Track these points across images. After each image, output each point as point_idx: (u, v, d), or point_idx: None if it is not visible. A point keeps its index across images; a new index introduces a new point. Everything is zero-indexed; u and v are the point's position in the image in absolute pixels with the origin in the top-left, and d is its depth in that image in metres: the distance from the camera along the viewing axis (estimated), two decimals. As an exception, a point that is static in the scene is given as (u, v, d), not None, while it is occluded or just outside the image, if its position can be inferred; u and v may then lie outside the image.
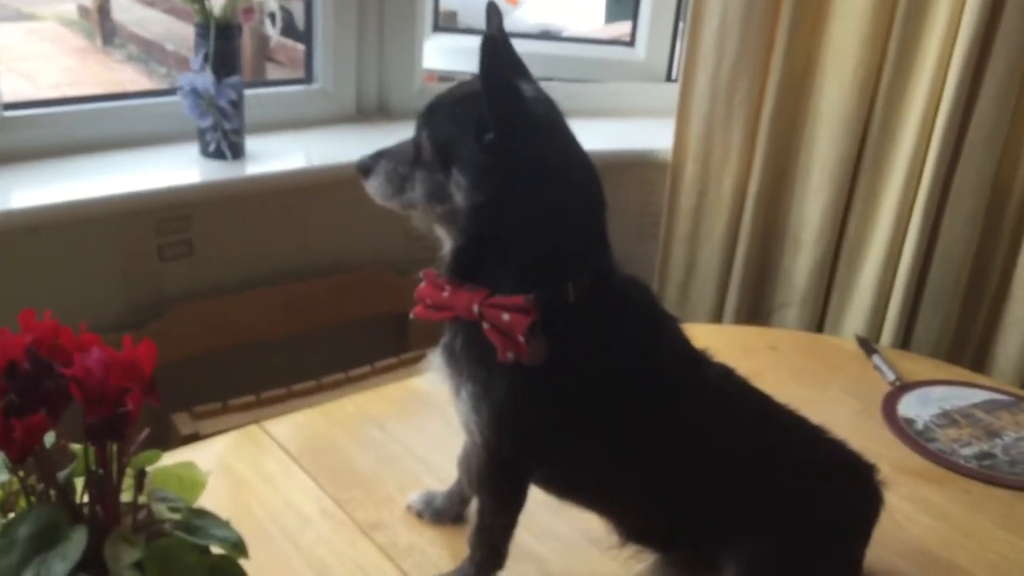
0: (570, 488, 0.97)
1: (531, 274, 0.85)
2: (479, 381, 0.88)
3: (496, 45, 0.81)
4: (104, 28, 4.98)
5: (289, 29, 2.16)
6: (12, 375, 0.66)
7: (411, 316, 0.91)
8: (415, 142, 0.89)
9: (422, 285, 0.90)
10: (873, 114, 1.76)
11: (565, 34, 5.12)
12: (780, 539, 0.93)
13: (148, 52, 4.83)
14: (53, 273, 1.56)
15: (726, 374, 0.95)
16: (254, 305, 1.72)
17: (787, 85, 1.79)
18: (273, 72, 3.09)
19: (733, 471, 0.92)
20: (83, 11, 5.13)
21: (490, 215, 0.84)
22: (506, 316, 0.83)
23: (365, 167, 0.92)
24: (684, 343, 0.93)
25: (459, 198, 0.85)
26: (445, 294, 0.87)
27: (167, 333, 1.60)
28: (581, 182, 0.87)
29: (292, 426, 1.25)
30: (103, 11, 4.97)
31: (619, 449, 0.90)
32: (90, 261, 1.59)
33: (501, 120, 0.81)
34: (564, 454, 0.93)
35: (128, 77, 4.74)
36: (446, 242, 0.90)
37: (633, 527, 0.97)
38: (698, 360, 0.94)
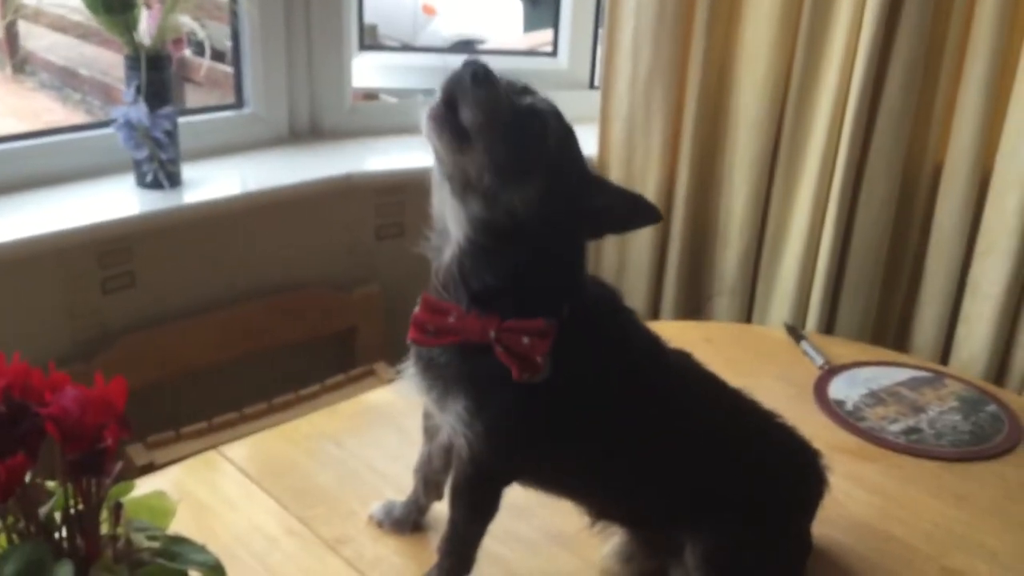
0: (543, 482, 1.00)
1: (534, 296, 0.88)
2: (471, 397, 0.89)
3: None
4: (13, 55, 4.87)
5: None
6: (-10, 419, 0.68)
7: (408, 341, 0.92)
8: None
9: (417, 310, 0.90)
10: (786, 111, 1.83)
11: (486, 44, 5.15)
12: (738, 518, 0.98)
13: (62, 79, 4.74)
14: (-4, 311, 1.55)
15: (685, 358, 1.01)
16: (200, 332, 1.72)
17: (706, 89, 1.85)
18: (192, 94, 3.05)
19: (699, 455, 0.97)
20: (-10, 38, 4.99)
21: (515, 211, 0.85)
22: (526, 340, 0.86)
23: (477, 74, 0.82)
24: (646, 333, 0.99)
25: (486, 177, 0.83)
26: (451, 320, 0.87)
27: (115, 365, 1.59)
28: None
29: (249, 449, 1.27)
30: (11, 38, 4.85)
31: (600, 445, 0.94)
32: (34, 298, 1.58)
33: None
34: (548, 458, 0.96)
35: (43, 105, 4.64)
36: (450, 223, 0.87)
37: (604, 510, 1.02)
38: (659, 347, 0.99)
